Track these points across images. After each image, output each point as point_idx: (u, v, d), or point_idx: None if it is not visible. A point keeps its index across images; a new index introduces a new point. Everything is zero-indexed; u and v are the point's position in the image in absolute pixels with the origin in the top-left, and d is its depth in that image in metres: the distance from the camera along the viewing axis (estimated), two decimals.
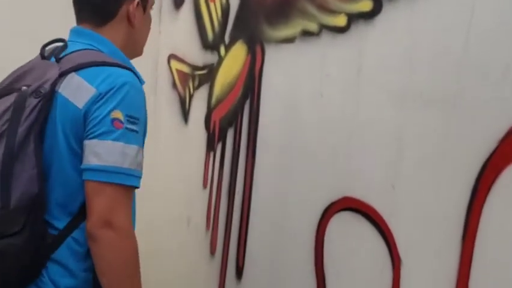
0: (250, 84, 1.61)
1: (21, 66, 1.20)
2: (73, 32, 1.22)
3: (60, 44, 1.18)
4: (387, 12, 1.11)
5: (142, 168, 1.13)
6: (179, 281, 1.95)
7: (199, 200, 1.88)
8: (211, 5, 1.86)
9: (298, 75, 1.40)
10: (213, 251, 1.83)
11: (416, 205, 1.05)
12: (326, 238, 1.29)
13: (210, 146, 1.80)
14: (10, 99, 1.07)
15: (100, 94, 1.07)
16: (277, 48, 1.49)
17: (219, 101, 1.82)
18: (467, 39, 0.96)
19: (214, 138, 1.84)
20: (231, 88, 1.75)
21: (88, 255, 1.11)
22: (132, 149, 1.09)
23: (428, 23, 1.06)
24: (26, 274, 1.09)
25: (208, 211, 1.87)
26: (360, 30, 1.17)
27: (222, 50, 1.81)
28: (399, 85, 1.09)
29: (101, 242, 1.06)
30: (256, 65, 1.59)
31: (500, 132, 0.87)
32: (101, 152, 1.06)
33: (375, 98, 1.15)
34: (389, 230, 1.10)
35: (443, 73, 1.01)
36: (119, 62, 1.15)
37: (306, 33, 1.34)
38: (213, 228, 1.85)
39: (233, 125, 1.72)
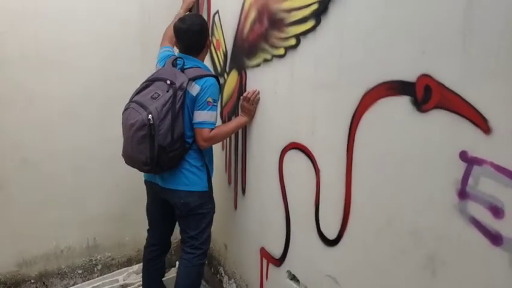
0: (241, 91, 1.97)
1: (161, 68, 1.76)
2: (182, 55, 1.76)
3: (179, 59, 1.73)
4: (303, 46, 1.44)
5: (216, 120, 1.75)
6: (219, 195, 2.19)
7: (220, 157, 2.33)
8: (219, 52, 2.21)
9: (263, 83, 1.77)
10: (229, 182, 2.27)
11: (323, 139, 1.39)
12: (284, 163, 1.67)
13: None
14: (162, 86, 1.65)
15: (202, 89, 1.69)
16: (252, 71, 1.86)
17: (226, 102, 2.18)
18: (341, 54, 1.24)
19: (226, 122, 2.09)
20: (231, 95, 2.10)
21: (198, 152, 1.78)
22: (214, 113, 1.74)
23: (322, 55, 1.36)
24: (181, 158, 1.75)
25: (225, 162, 2.30)
26: (291, 56, 1.53)
27: (226, 75, 2.15)
28: (312, 80, 1.42)
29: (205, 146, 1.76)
30: (243, 81, 1.95)
31: (362, 92, 1.20)
32: (201, 116, 1.71)
33: (301, 89, 1.48)
34: (312, 155, 1.46)
35: (330, 72, 1.33)
36: (208, 72, 1.75)
37: (266, 61, 1.70)
38: (228, 171, 2.28)
39: (234, 114, 2.08)
